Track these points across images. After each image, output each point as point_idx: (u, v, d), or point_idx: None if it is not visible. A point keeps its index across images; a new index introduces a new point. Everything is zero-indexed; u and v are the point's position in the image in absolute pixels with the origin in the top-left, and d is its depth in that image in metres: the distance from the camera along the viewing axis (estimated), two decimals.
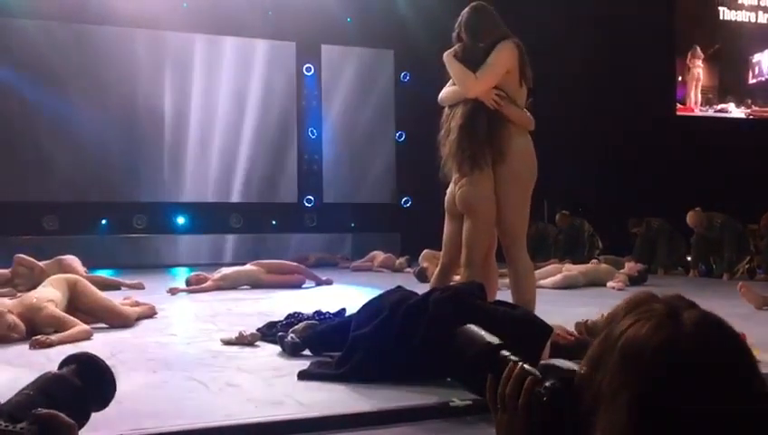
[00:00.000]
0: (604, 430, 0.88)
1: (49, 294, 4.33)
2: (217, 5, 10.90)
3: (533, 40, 11.24)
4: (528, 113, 3.98)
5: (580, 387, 0.96)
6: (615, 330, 0.93)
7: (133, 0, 10.48)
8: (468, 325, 1.24)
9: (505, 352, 1.15)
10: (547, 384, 1.04)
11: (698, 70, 13.60)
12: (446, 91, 4.05)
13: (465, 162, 3.85)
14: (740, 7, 13.80)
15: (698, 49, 13.50)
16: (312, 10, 11.14)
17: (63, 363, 1.19)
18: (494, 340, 1.20)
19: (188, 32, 11.13)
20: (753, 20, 13.86)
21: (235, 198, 11.68)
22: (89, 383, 1.19)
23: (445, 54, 4.01)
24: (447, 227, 4.10)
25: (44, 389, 1.09)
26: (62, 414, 1.00)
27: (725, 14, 13.70)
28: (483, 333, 1.22)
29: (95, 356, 1.26)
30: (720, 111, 13.75)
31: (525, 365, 1.09)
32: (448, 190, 4.07)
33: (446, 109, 4.02)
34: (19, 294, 5.44)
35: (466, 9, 4.01)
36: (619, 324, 0.93)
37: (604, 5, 11.19)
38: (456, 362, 1.23)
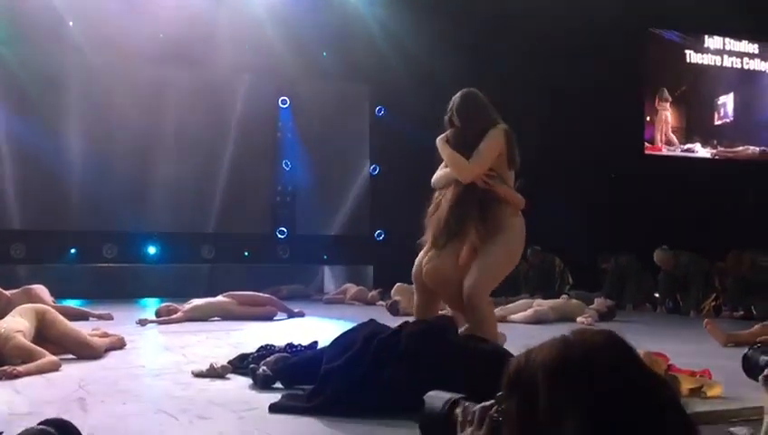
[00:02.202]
0: None
1: (17, 325, 4.27)
2: (194, 37, 10.95)
3: (509, 82, 11.43)
4: (518, 193, 4.19)
5: (504, 416, 1.06)
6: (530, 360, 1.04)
7: (108, 29, 10.49)
8: (430, 393, 1.36)
9: (458, 410, 1.26)
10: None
11: (666, 112, 13.94)
12: (438, 175, 4.27)
13: (442, 237, 4.06)
14: (706, 51, 14.23)
15: (665, 91, 13.86)
16: (288, 44, 11.24)
17: (41, 424, 1.22)
18: (451, 397, 1.30)
19: (163, 63, 11.14)
20: (718, 63, 14.29)
21: (207, 228, 11.61)
22: None
23: (438, 140, 4.23)
24: (418, 299, 4.29)
25: None
26: None
27: (692, 57, 14.12)
28: (442, 396, 1.32)
29: (68, 422, 1.30)
30: (687, 150, 14.08)
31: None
32: (416, 260, 4.25)
33: (438, 191, 4.24)
34: None
35: (458, 95, 4.24)
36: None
37: (574, 48, 11.46)
38: (424, 426, 1.35)
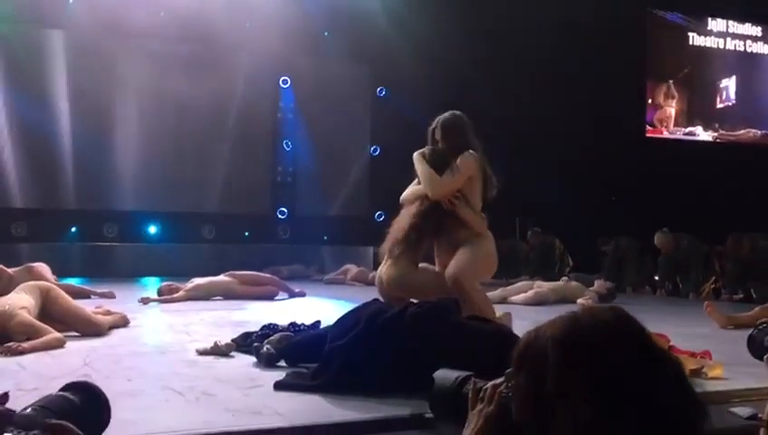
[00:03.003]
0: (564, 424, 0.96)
1: (22, 302, 4.29)
2: (195, 16, 10.88)
3: (510, 63, 11.37)
4: (482, 217, 4.36)
5: (513, 392, 1.08)
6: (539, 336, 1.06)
7: (110, 7, 10.42)
8: (439, 371, 1.37)
9: (467, 387, 1.29)
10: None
11: (671, 109, 13.91)
12: (408, 192, 4.49)
13: (398, 246, 4.27)
14: (709, 33, 14.17)
15: (672, 87, 13.81)
16: (289, 23, 11.17)
17: (63, 389, 1.23)
18: (460, 374, 1.33)
19: (165, 41, 11.09)
20: (721, 46, 14.23)
21: (208, 208, 11.61)
22: (89, 405, 1.23)
23: (415, 154, 4.43)
24: None
25: (50, 406, 1.13)
26: (72, 426, 1.05)
27: (695, 39, 14.05)
28: (451, 374, 1.35)
29: (93, 383, 1.31)
30: (688, 134, 14.06)
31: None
32: (377, 275, 4.50)
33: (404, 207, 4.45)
34: None
35: (447, 113, 4.47)
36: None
37: (575, 29, 11.41)
38: (435, 403, 1.38)
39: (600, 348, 0.98)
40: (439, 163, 4.32)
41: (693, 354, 3.81)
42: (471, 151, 4.31)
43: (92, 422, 1.25)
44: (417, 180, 4.44)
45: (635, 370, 0.96)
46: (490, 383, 1.23)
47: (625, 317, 1.04)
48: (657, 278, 9.74)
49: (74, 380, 1.34)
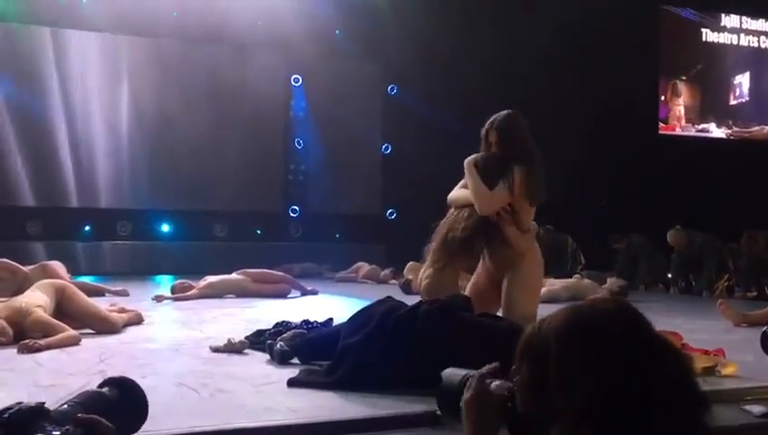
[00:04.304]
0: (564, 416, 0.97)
1: (38, 300, 4.34)
2: (207, 14, 10.94)
3: (521, 60, 11.32)
4: (530, 232, 4.19)
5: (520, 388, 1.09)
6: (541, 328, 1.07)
7: (123, 7, 10.49)
8: (447, 370, 1.40)
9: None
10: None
11: (679, 108, 13.84)
12: (456, 195, 4.25)
13: (442, 257, 4.13)
14: (722, 30, 14.07)
15: (678, 86, 13.74)
16: (301, 21, 11.20)
17: (101, 386, 1.25)
18: (467, 373, 1.35)
19: (177, 39, 11.15)
20: (734, 42, 14.13)
21: (220, 206, 11.67)
22: (125, 401, 1.25)
23: (467, 162, 4.14)
24: None
25: (85, 402, 1.16)
26: (103, 420, 1.07)
27: (708, 35, 13.96)
28: (458, 373, 1.37)
29: (129, 379, 1.33)
30: (701, 130, 13.98)
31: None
32: (420, 275, 4.40)
33: (453, 208, 4.24)
34: (3, 299, 5.43)
35: (503, 112, 4.16)
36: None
37: (589, 25, 11.37)
38: (442, 402, 1.41)
39: (601, 338, 0.99)
40: (492, 172, 4.05)
41: (706, 352, 3.80)
42: (521, 165, 4.01)
43: (128, 417, 1.27)
44: (463, 181, 4.22)
45: (635, 360, 0.97)
46: (477, 372, 1.25)
47: (626, 308, 1.05)
48: (670, 276, 9.70)
49: (112, 376, 1.36)
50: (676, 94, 13.73)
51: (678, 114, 13.84)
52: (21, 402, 1.06)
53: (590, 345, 0.99)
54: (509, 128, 4.10)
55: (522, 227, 4.13)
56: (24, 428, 1.01)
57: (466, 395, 1.20)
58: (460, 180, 4.27)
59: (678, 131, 13.86)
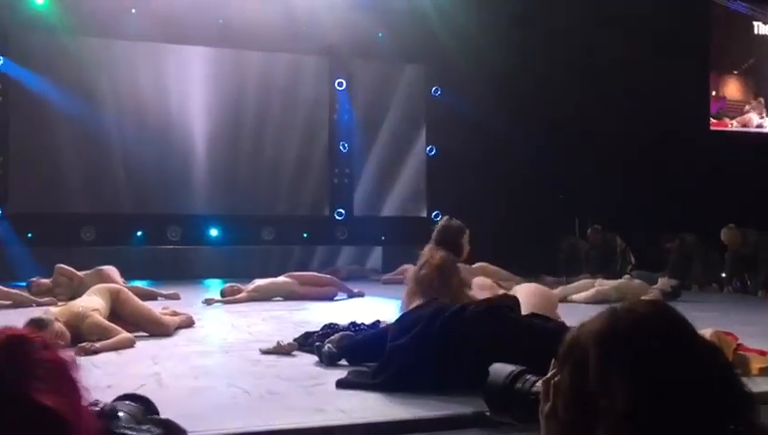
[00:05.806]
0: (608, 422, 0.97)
1: (94, 304, 4.46)
2: (252, 20, 11.09)
3: (566, 58, 11.14)
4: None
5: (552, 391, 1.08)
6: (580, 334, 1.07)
7: (169, 16, 10.69)
8: (494, 365, 1.39)
9: (518, 384, 1.31)
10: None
11: (751, 116, 13.60)
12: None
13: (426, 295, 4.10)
14: None
15: (763, 103, 13.56)
16: (344, 25, 11.27)
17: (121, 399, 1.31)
18: (514, 369, 1.33)
19: (223, 47, 11.33)
20: None
21: (268, 210, 11.80)
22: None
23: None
24: None
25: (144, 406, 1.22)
26: (176, 422, 1.12)
27: (760, 28, 13.59)
28: (505, 369, 1.36)
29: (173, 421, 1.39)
30: (757, 126, 13.61)
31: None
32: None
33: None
34: (60, 303, 5.60)
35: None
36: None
37: (635, 20, 11.18)
38: (488, 397, 1.38)
39: (640, 342, 0.98)
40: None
41: (762, 353, 3.71)
42: None
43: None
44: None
45: (675, 363, 0.96)
46: (541, 380, 1.23)
47: (665, 310, 1.04)
48: (724, 275, 9.46)
49: (127, 392, 1.39)
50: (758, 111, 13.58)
51: (750, 120, 13.64)
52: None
53: (628, 349, 0.99)
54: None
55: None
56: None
57: (543, 407, 1.17)
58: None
59: (731, 127, 13.52)
